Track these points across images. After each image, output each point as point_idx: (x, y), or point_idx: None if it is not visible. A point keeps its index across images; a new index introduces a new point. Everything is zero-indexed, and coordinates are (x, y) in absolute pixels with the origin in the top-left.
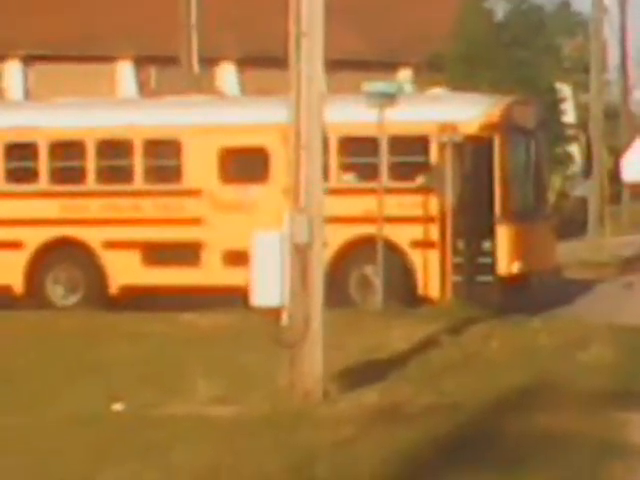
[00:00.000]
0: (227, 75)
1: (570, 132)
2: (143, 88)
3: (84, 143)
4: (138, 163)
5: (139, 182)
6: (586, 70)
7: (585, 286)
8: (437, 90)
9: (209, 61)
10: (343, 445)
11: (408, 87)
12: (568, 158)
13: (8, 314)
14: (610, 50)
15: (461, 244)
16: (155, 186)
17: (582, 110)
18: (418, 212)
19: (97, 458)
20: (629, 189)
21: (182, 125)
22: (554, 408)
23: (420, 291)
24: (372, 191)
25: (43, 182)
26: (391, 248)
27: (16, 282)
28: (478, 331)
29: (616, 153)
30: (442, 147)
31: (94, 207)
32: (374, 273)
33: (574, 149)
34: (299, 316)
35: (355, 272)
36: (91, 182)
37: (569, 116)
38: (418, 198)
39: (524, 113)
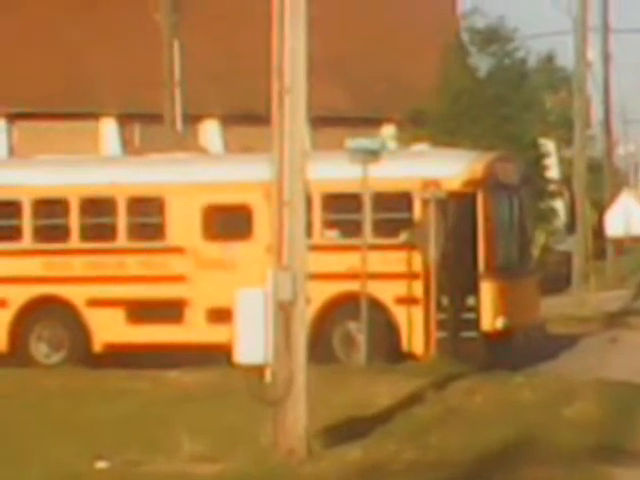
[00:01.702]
0: (211, 132)
1: (554, 187)
2: (127, 145)
3: (68, 201)
4: (122, 221)
5: (123, 240)
6: (570, 125)
7: (569, 341)
8: (420, 146)
9: (193, 118)
10: None
11: (391, 143)
12: (552, 213)
13: None
14: (594, 105)
15: (445, 300)
16: (139, 244)
17: (566, 165)
18: (402, 268)
19: None
20: (613, 244)
21: (166, 183)
22: (539, 463)
23: (404, 347)
24: (355, 247)
25: (27, 240)
26: (375, 304)
27: (0, 340)
28: (462, 387)
29: (600, 208)
30: (425, 203)
31: (78, 265)
32: (358, 329)
33: (558, 204)
34: (283, 373)
35: (339, 329)
36: (75, 240)
37: (553, 171)
38: (402, 254)
39: (507, 169)
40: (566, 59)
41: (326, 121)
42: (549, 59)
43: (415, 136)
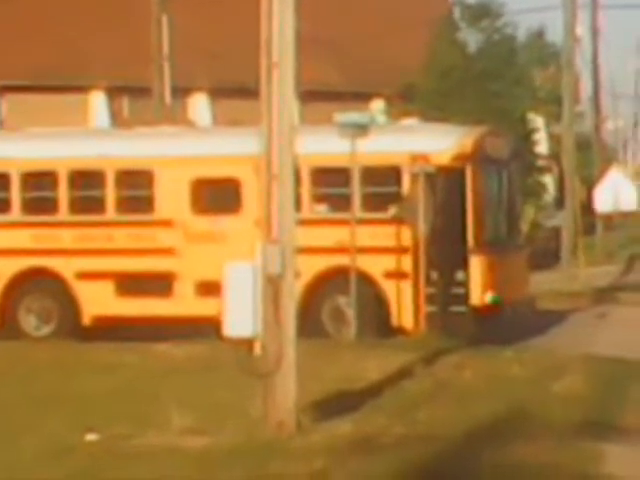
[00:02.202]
0: (199, 105)
1: (543, 163)
2: (116, 118)
3: (56, 173)
4: (110, 193)
5: (111, 212)
6: (559, 101)
7: (558, 316)
8: (409, 121)
9: (181, 91)
10: (316, 476)
11: (380, 118)
12: (541, 188)
13: None
14: (583, 81)
15: (434, 274)
16: (127, 216)
17: (555, 141)
18: (391, 243)
19: None
20: (602, 220)
21: (154, 156)
22: (528, 438)
23: (393, 322)
24: (344, 222)
25: (15, 212)
26: (364, 279)
27: None
28: (451, 361)
29: (589, 184)
30: (414, 178)
31: (66, 237)
32: (347, 304)
33: (547, 179)
34: (272, 347)
35: (328, 303)
36: (63, 212)
37: (542, 147)
38: (391, 229)
39: (496, 144)
40: (555, 35)
41: (315, 95)
42: (539, 35)
43: (404, 111)
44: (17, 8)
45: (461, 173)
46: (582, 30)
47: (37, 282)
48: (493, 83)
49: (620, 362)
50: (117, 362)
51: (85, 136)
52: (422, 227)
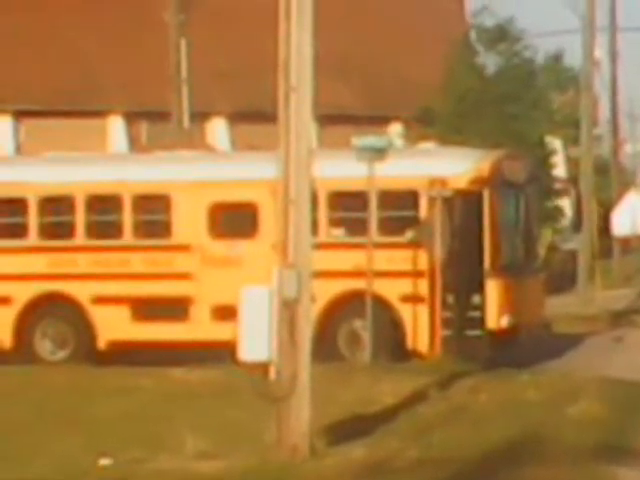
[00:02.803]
0: (218, 130)
1: (560, 186)
2: (134, 143)
3: (74, 198)
4: (128, 218)
5: (128, 237)
6: (576, 124)
7: (575, 340)
8: (427, 144)
9: (200, 116)
10: None
11: (398, 141)
12: (558, 212)
13: None
14: (601, 104)
15: (450, 298)
16: (144, 241)
17: (572, 164)
18: (407, 267)
19: None
20: (619, 243)
21: (172, 180)
22: (543, 462)
23: (409, 345)
24: (361, 246)
25: (32, 237)
26: (380, 303)
27: (5, 337)
28: (467, 385)
29: (606, 207)
30: (432, 201)
31: (83, 262)
32: (363, 328)
33: (564, 203)
34: (287, 371)
35: (344, 327)
36: (80, 237)
37: (559, 170)
38: (407, 253)
39: (514, 167)
40: (573, 58)
41: (333, 119)
42: (557, 58)
43: (422, 134)
44: (35, 33)
45: (478, 197)
46: (601, 53)
47: (53, 307)
48: (511, 106)
49: (636, 385)
50: (132, 386)
51: (103, 161)
52: (439, 251)
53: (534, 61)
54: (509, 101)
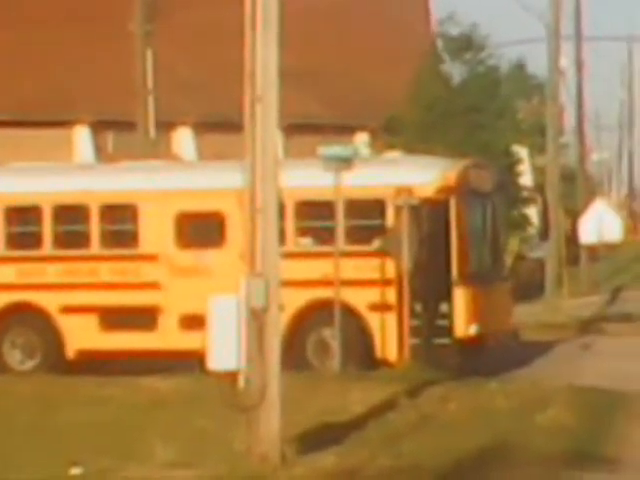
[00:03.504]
0: (184, 139)
1: (527, 194)
2: (100, 153)
3: (41, 208)
4: (95, 228)
5: (96, 247)
6: (542, 132)
7: (543, 347)
8: (393, 154)
9: (166, 125)
10: None
11: (364, 150)
12: (525, 220)
13: None
14: (567, 112)
15: (418, 307)
16: (112, 251)
17: (539, 172)
18: (375, 275)
19: None
20: (586, 251)
21: (139, 190)
22: (512, 469)
23: (378, 354)
24: (329, 255)
25: (0, 247)
26: (348, 311)
27: None
28: (436, 393)
29: (573, 215)
30: (398, 210)
31: (51, 272)
32: (331, 336)
33: (531, 211)
34: (256, 380)
35: (312, 336)
36: (48, 247)
37: (526, 178)
38: (375, 261)
39: (480, 176)
40: (536, 66)
41: (299, 129)
42: (520, 66)
43: (388, 144)
44: (1, 43)
45: (445, 205)
46: (566, 62)
47: (21, 316)
48: (477, 116)
49: (604, 393)
50: (101, 396)
51: (69, 171)
52: (406, 259)
53: (499, 69)
54: (475, 111)
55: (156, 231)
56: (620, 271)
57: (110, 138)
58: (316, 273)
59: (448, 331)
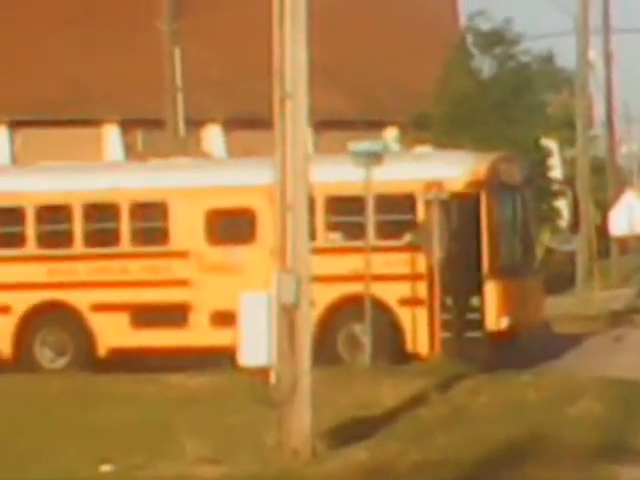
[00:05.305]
0: (213, 137)
1: (557, 187)
2: (129, 151)
3: (71, 207)
4: (125, 226)
5: (126, 244)
6: (572, 125)
7: (574, 340)
8: (423, 148)
9: (195, 123)
10: None
11: (394, 146)
12: (555, 213)
13: None
14: (596, 105)
15: (449, 300)
16: (142, 248)
17: (569, 165)
18: (405, 270)
19: None
20: (617, 243)
21: (169, 187)
22: (544, 463)
23: (409, 348)
24: (359, 250)
25: (30, 246)
26: (379, 306)
27: (4, 346)
28: (467, 387)
29: (603, 207)
30: (429, 205)
31: (81, 270)
32: (362, 331)
33: (561, 204)
34: (287, 375)
35: (343, 330)
36: (78, 245)
37: (556, 172)
38: (405, 256)
39: (510, 170)
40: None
41: (329, 125)
42: (548, 60)
43: (418, 139)
44: (30, 42)
45: (475, 199)
46: (595, 55)
47: (52, 315)
48: (507, 110)
49: (636, 385)
50: (132, 393)
51: (99, 169)
52: (437, 254)
53: (530, 64)
54: (505, 106)
55: (186, 228)
56: None
57: (139, 136)
58: (346, 268)
59: (479, 324)
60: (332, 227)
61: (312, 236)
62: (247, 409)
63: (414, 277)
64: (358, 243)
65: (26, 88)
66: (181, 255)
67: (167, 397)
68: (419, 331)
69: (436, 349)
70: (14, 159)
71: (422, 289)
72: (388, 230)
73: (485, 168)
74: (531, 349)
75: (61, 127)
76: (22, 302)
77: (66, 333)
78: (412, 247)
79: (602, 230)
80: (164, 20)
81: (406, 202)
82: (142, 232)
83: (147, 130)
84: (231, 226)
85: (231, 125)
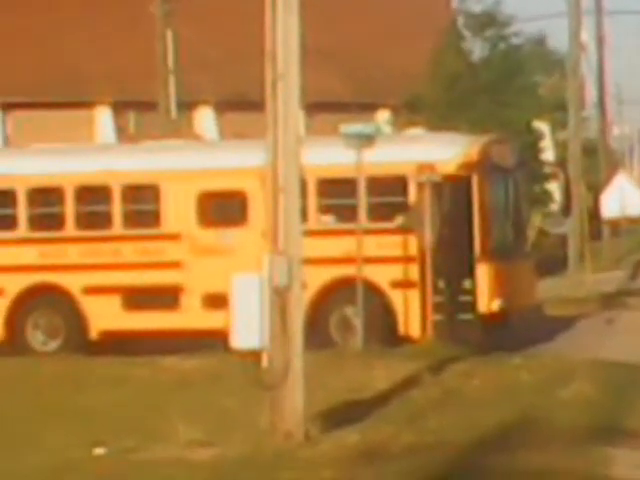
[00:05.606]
0: (205, 119)
1: (549, 170)
2: (121, 133)
3: (62, 189)
4: (117, 208)
5: (118, 227)
6: (564, 107)
7: (566, 323)
8: (415, 130)
9: (187, 105)
10: None
11: (386, 128)
12: (547, 196)
13: None
14: (588, 87)
15: (441, 283)
16: (134, 231)
17: (561, 148)
18: (397, 252)
19: None
20: (609, 225)
21: (161, 170)
22: (537, 445)
23: (401, 330)
24: (351, 232)
25: (22, 229)
26: (371, 288)
27: None
28: (459, 369)
29: (595, 190)
30: (421, 187)
31: (73, 253)
32: (354, 314)
33: (553, 187)
34: (279, 358)
35: (335, 313)
36: (70, 228)
37: (548, 154)
38: (397, 238)
39: (502, 152)
40: (557, 41)
41: (321, 107)
42: (540, 42)
43: (410, 121)
44: (22, 25)
45: (467, 182)
46: (587, 36)
47: (44, 298)
48: (499, 93)
49: (628, 367)
50: (125, 376)
51: (91, 151)
52: (429, 236)
53: (521, 47)
54: (497, 88)
55: (178, 211)
56: None
57: (131, 118)
58: (338, 251)
59: (471, 307)
60: (324, 209)
61: (304, 218)
62: (240, 392)
63: (406, 259)
64: (350, 225)
65: (18, 71)
66: (173, 237)
67: (159, 380)
68: (411, 313)
69: (428, 332)
70: (6, 141)
71: (414, 271)
72: (380, 212)
73: (477, 150)
74: (523, 331)
75: (53, 109)
76: (14, 285)
77: (58, 316)
78: (404, 229)
79: (594, 212)
80: (156, 2)
81: (398, 184)
82: (134, 214)
83: (139, 112)
84: (223, 208)
85: (223, 107)
